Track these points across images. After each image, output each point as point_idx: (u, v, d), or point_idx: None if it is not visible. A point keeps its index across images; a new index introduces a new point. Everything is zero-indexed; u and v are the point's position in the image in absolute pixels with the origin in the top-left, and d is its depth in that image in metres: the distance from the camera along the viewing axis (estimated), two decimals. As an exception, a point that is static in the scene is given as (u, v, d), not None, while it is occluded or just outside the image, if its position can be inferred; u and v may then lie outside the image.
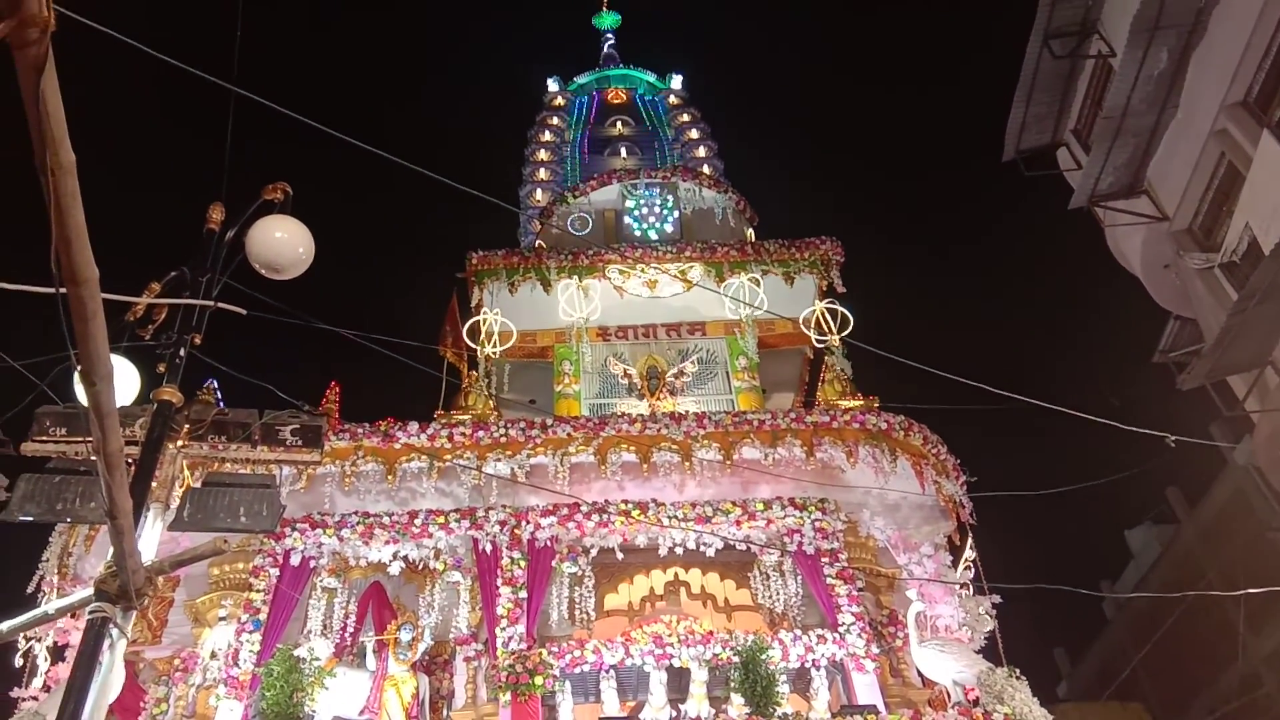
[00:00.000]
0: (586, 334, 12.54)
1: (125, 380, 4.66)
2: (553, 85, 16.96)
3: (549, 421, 9.85)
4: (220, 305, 4.62)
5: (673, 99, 16.60)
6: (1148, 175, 13.64)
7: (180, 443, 4.52)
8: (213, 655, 8.70)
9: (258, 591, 8.75)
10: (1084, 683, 22.18)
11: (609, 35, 18.64)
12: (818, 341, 11.84)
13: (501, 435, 9.49)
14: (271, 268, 4.65)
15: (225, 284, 4.71)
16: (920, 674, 8.98)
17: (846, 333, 11.41)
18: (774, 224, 13.97)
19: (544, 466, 9.53)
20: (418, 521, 9.19)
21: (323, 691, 7.98)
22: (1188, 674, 17.45)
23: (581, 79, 17.83)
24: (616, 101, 16.89)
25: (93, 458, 4.10)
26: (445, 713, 8.66)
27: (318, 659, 8.10)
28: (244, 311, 4.69)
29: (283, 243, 4.64)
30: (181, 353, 4.47)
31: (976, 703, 7.95)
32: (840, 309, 11.74)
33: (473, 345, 11.60)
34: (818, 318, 11.70)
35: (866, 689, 8.44)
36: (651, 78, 17.95)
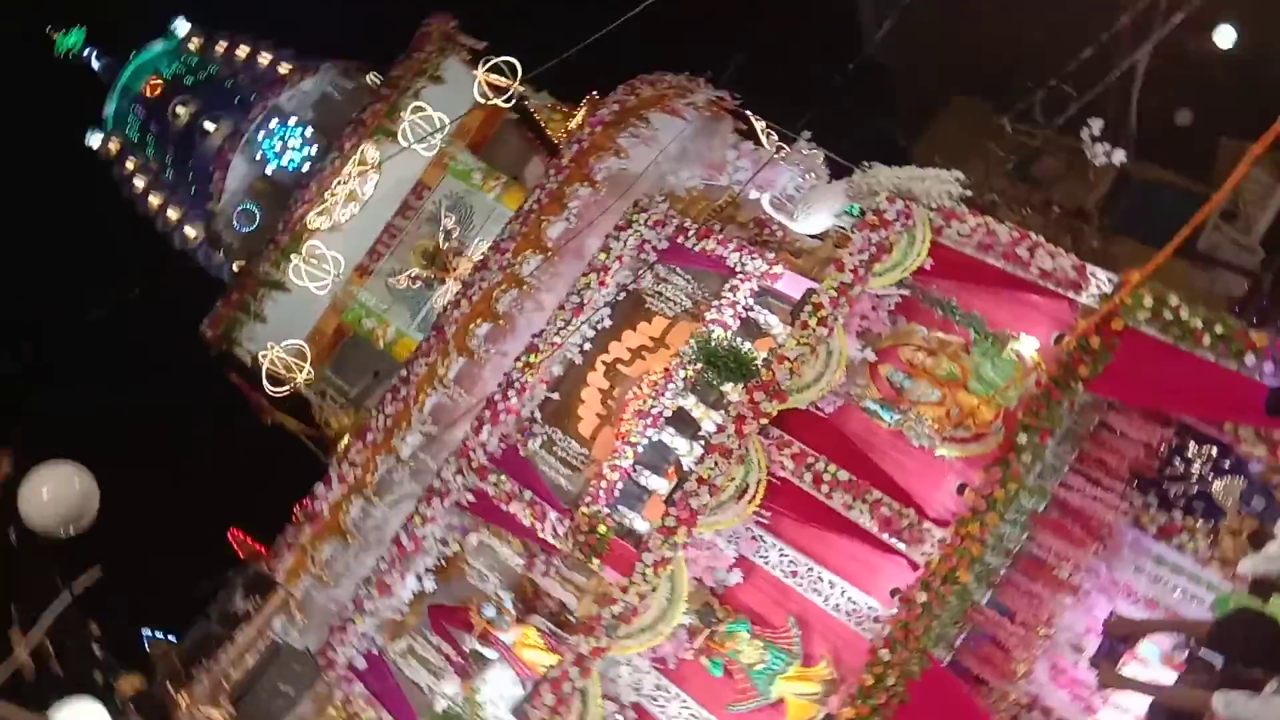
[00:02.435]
0: (352, 286, 11.97)
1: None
2: (94, 140, 14.95)
3: (406, 374, 9.73)
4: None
5: (193, 45, 14.79)
6: None
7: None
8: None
9: None
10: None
11: (88, 53, 16.15)
12: (507, 103, 11.52)
13: (381, 424, 9.39)
14: (54, 527, 4.32)
15: None
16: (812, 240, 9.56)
17: (527, 75, 11.18)
18: (387, 51, 13.02)
19: (440, 405, 9.58)
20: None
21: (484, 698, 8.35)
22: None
23: (109, 108, 15.67)
24: (158, 94, 14.97)
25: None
26: (573, 618, 9.06)
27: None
28: None
29: (49, 503, 4.28)
30: None
31: (862, 214, 8.55)
32: (502, 61, 11.41)
33: (277, 391, 11.12)
34: (485, 85, 11.38)
35: (793, 285, 9.02)
36: (159, 45, 15.81)
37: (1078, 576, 7.55)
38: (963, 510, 7.50)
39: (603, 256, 9.76)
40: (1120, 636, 7.18)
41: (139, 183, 14.10)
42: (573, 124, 10.45)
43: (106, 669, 4.55)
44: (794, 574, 8.19)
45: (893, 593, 7.62)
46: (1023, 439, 7.44)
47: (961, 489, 7.71)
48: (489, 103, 11.66)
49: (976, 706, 7.38)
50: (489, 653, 8.63)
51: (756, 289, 9.22)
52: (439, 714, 8.16)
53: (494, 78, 11.53)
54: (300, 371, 11.30)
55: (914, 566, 7.61)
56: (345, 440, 9.94)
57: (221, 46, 14.64)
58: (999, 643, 7.60)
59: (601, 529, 8.46)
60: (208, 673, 5.20)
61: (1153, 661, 7.38)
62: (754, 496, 8.07)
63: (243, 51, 14.46)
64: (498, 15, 13.92)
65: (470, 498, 9.11)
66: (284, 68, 13.89)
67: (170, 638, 6.26)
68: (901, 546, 7.66)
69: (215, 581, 6.54)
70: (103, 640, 4.79)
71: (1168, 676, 7.14)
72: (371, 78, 13.20)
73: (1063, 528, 7.68)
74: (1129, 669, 7.33)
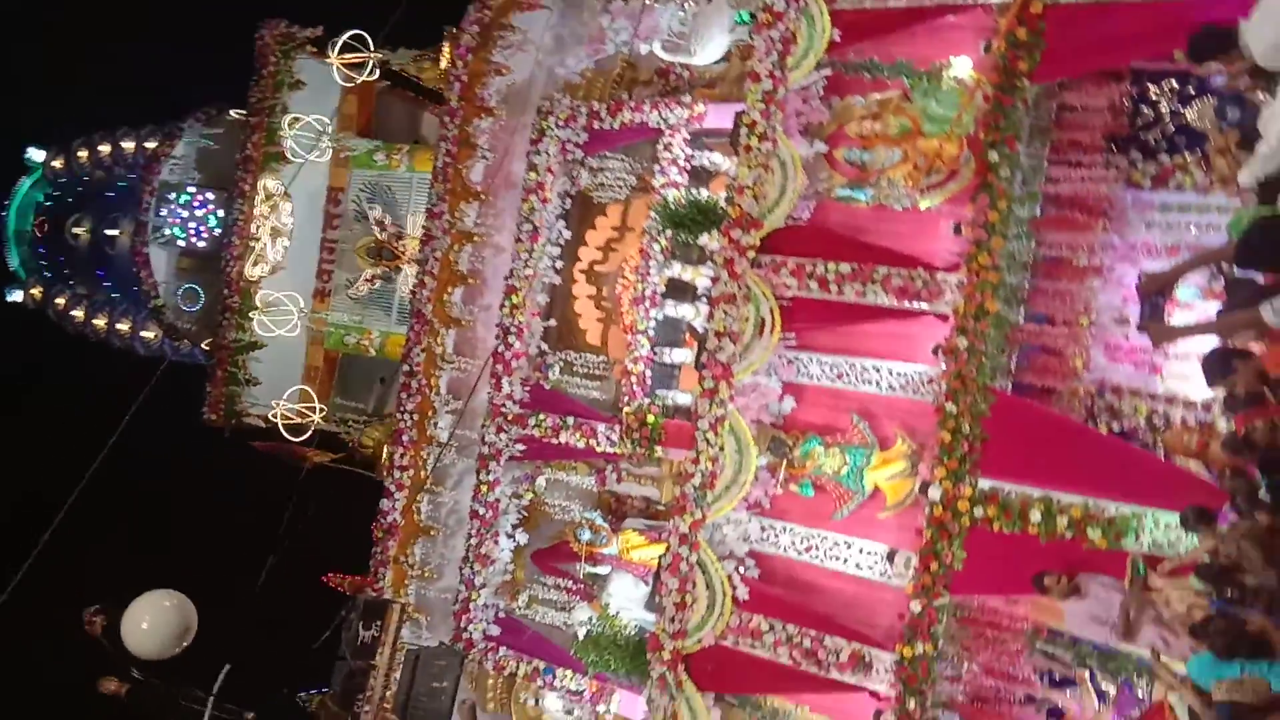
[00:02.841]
0: (318, 314, 11.93)
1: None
2: (15, 295, 14.72)
3: (408, 368, 9.78)
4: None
5: (57, 165, 14.32)
6: None
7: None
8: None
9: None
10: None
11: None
12: (372, 75, 11.26)
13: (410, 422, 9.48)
14: (169, 649, 4.52)
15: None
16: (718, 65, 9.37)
17: (379, 41, 10.91)
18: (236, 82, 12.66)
19: (452, 380, 9.83)
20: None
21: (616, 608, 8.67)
22: None
23: (12, 260, 15.30)
24: (48, 226, 14.60)
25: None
26: (662, 506, 9.26)
27: None
28: None
29: (151, 632, 4.46)
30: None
31: (753, 18, 8.34)
32: (349, 38, 11.10)
33: (301, 439, 11.20)
34: (344, 68, 11.12)
35: (721, 116, 8.88)
36: (26, 180, 15.31)
37: (1096, 258, 7.60)
38: (966, 247, 7.55)
39: (533, 175, 9.65)
40: (1156, 291, 7.27)
41: (77, 313, 13.92)
42: (444, 64, 10.20)
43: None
44: (840, 376, 8.33)
45: (935, 350, 7.74)
46: (994, 156, 7.41)
47: (958, 229, 7.74)
48: (356, 83, 11.38)
49: (1052, 414, 7.60)
50: (602, 570, 8.90)
51: (688, 136, 9.11)
52: (584, 640, 8.48)
53: (349, 57, 11.21)
54: (313, 412, 11.41)
55: (944, 319, 7.71)
56: (385, 450, 10.07)
57: (83, 154, 14.22)
58: (1049, 349, 7.74)
59: (650, 419, 8.60)
60: (368, 703, 5.42)
61: (1195, 301, 7.50)
62: (773, 326, 8.14)
63: (105, 148, 14.05)
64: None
65: (520, 448, 9.26)
66: (150, 144, 13.49)
67: (320, 690, 6.47)
68: (925, 306, 7.75)
69: (334, 625, 6.71)
70: (260, 720, 4.97)
71: (1214, 309, 7.28)
72: (234, 113, 12.82)
73: (1064, 220, 7.71)
74: (1176, 317, 7.48)
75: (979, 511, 7.10)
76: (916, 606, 7.18)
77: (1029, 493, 7.10)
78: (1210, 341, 6.66)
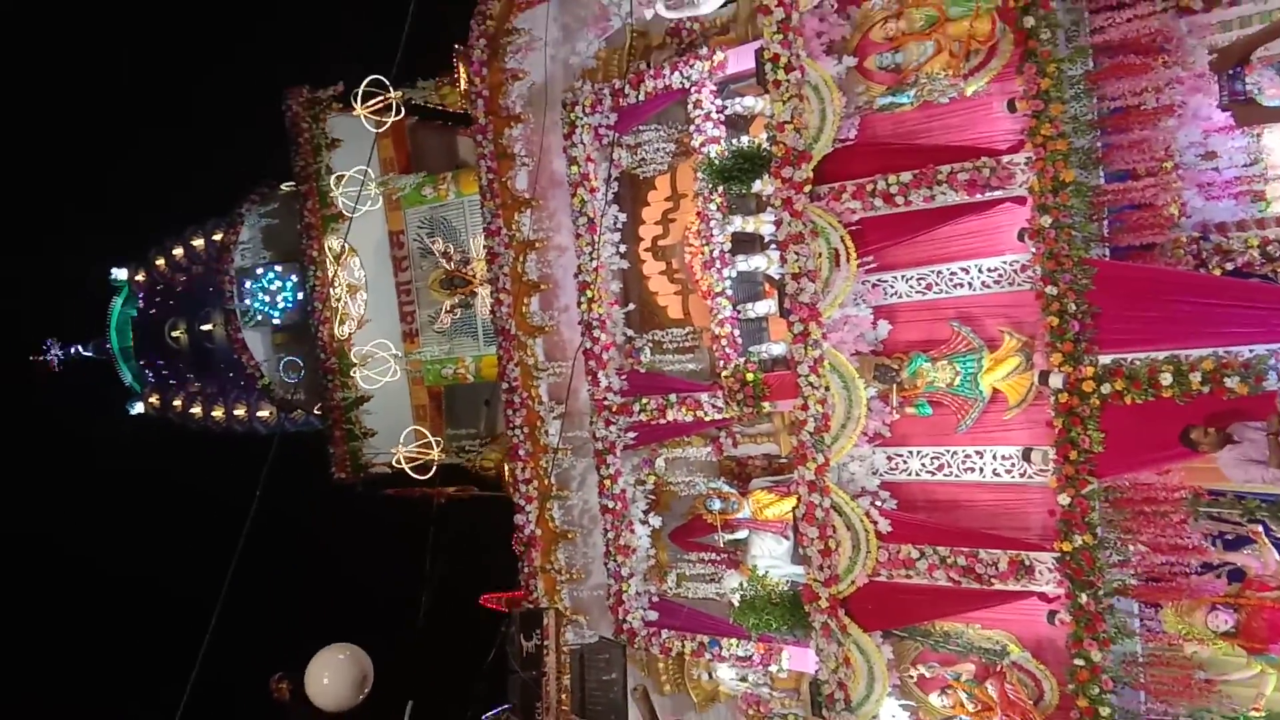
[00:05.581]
0: (410, 355, 12.26)
1: None
2: (137, 407, 15.58)
3: (507, 384, 9.92)
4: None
5: (140, 278, 15.08)
6: None
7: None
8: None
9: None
10: None
11: (72, 351, 16.60)
12: (399, 115, 11.45)
13: (522, 436, 9.61)
14: (353, 698, 4.74)
15: None
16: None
17: (395, 81, 11.09)
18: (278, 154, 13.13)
19: (551, 386, 9.90)
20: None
21: (764, 568, 8.66)
22: None
23: (126, 376, 16.20)
24: (144, 342, 15.44)
25: None
26: (784, 459, 9.19)
27: None
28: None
29: (333, 685, 4.69)
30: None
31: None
32: (368, 86, 11.31)
33: (427, 476, 11.49)
34: (370, 114, 11.34)
35: (742, 59, 8.70)
36: (118, 301, 16.16)
37: (1164, 96, 7.17)
38: (1026, 122, 7.24)
39: (574, 170, 9.64)
40: (1231, 65, 6.71)
41: (195, 410, 14.67)
42: (462, 85, 10.27)
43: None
44: (929, 287, 8.13)
45: (1020, 235, 7.47)
46: (1029, 21, 7.11)
47: (1012, 106, 7.44)
48: (386, 126, 11.60)
49: (1159, 270, 7.24)
50: (740, 534, 8.90)
51: (714, 88, 8.93)
52: (740, 606, 8.54)
53: (373, 103, 11.44)
54: (432, 448, 11.78)
55: (1021, 201, 7.43)
56: (506, 468, 10.32)
57: (161, 261, 14.94)
58: (1139, 204, 7.37)
59: (750, 377, 8.55)
60: (547, 710, 5.65)
61: (1274, 77, 7.00)
62: (848, 255, 8.01)
63: (178, 251, 14.73)
64: (330, 56, 13.76)
65: (632, 436, 9.33)
66: (217, 236, 14.07)
67: (502, 707, 6.78)
68: (999, 193, 7.48)
69: (498, 643, 6.99)
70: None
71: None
72: (284, 186, 13.23)
73: (1121, 67, 7.27)
74: (1265, 98, 6.97)
75: (1106, 388, 6.86)
76: (1065, 499, 7.00)
77: (1154, 357, 6.81)
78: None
